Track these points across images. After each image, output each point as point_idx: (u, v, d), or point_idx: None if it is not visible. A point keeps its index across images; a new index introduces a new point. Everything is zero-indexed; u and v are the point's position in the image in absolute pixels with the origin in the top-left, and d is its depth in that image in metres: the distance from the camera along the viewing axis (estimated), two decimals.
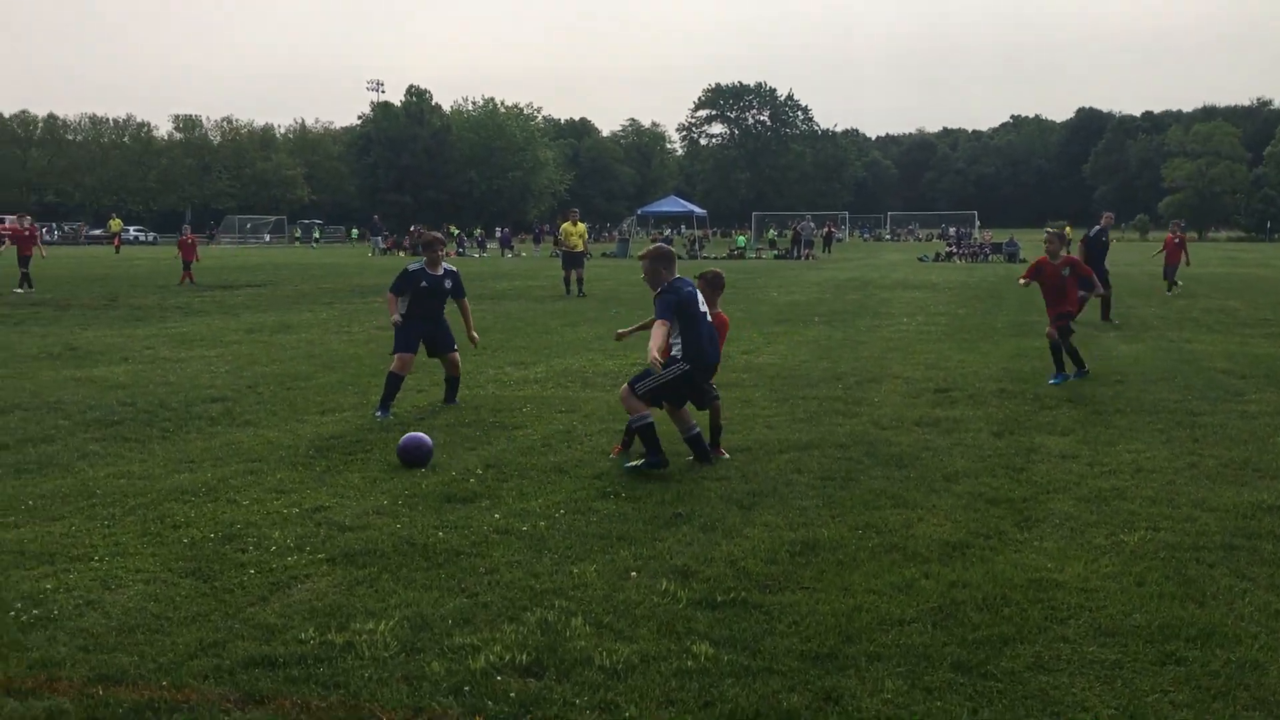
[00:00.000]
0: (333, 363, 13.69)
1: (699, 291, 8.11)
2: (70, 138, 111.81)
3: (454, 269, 10.77)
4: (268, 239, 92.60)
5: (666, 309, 7.75)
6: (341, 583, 5.35)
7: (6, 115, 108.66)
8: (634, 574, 5.47)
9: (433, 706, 3.97)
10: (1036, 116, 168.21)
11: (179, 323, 19.30)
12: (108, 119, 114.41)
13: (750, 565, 5.58)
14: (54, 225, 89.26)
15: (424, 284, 10.38)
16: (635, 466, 7.68)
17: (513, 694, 4.07)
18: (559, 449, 8.51)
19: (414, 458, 7.91)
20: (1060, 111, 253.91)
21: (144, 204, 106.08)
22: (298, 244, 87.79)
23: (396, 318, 10.32)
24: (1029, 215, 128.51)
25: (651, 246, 8.16)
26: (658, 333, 7.66)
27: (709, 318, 8.04)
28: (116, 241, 65.64)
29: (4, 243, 23.82)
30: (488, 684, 4.15)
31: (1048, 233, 12.39)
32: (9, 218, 22.15)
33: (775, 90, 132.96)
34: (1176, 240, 26.19)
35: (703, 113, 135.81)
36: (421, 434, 8.25)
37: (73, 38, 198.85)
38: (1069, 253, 12.63)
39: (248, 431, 9.24)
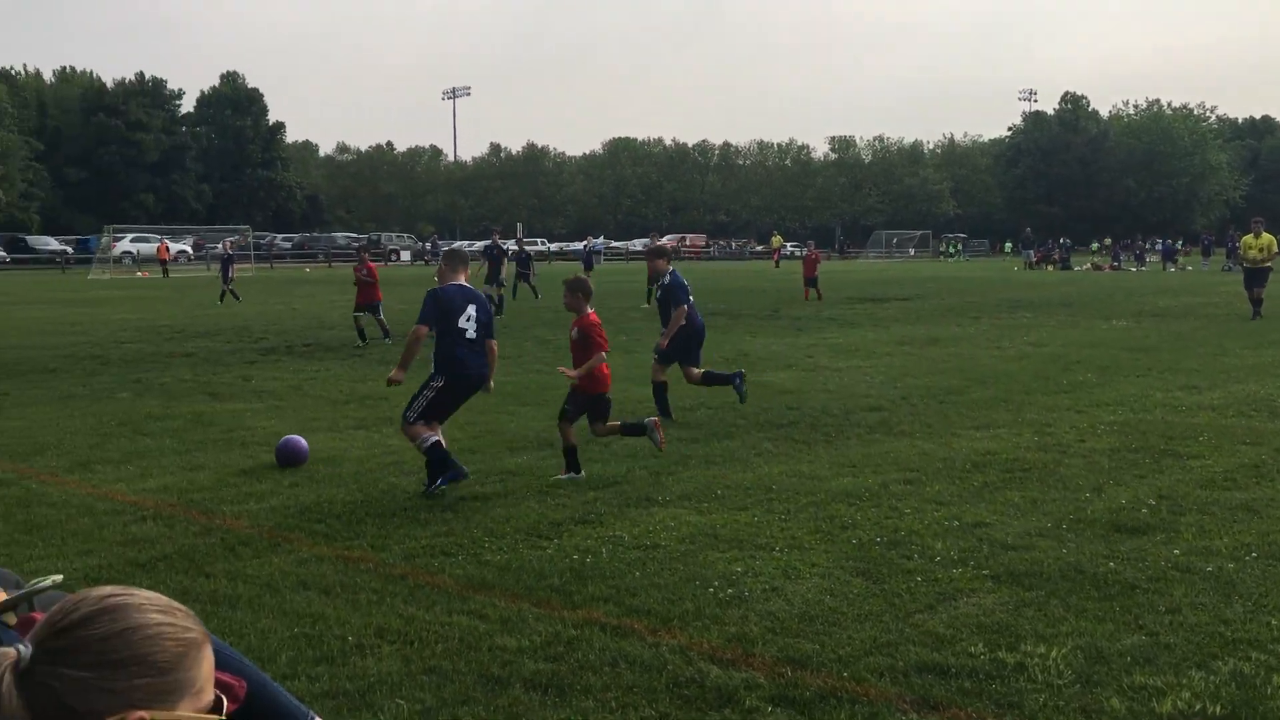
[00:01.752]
0: (984, 378, 13.63)
1: None
2: (740, 162, 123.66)
3: None
4: (913, 252, 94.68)
5: None
6: (1008, 602, 5.30)
7: (689, 145, 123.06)
8: None
9: None
10: None
11: (835, 334, 20.44)
12: (773, 144, 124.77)
13: None
14: (725, 243, 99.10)
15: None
16: None
17: None
18: (1246, 485, 7.67)
19: (289, 458, 8.49)
20: None
21: (799, 220, 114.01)
22: (941, 258, 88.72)
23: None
24: None
25: None
26: None
27: None
28: (776, 256, 70.81)
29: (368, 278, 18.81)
30: None
31: None
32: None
33: None
34: None
35: None
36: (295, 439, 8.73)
37: (747, 73, 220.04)
38: None
39: (904, 441, 9.52)
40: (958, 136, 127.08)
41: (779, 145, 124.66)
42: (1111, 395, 12.10)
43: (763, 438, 9.72)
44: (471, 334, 8.01)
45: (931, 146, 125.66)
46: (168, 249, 55.49)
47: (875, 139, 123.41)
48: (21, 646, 1.40)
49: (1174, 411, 10.94)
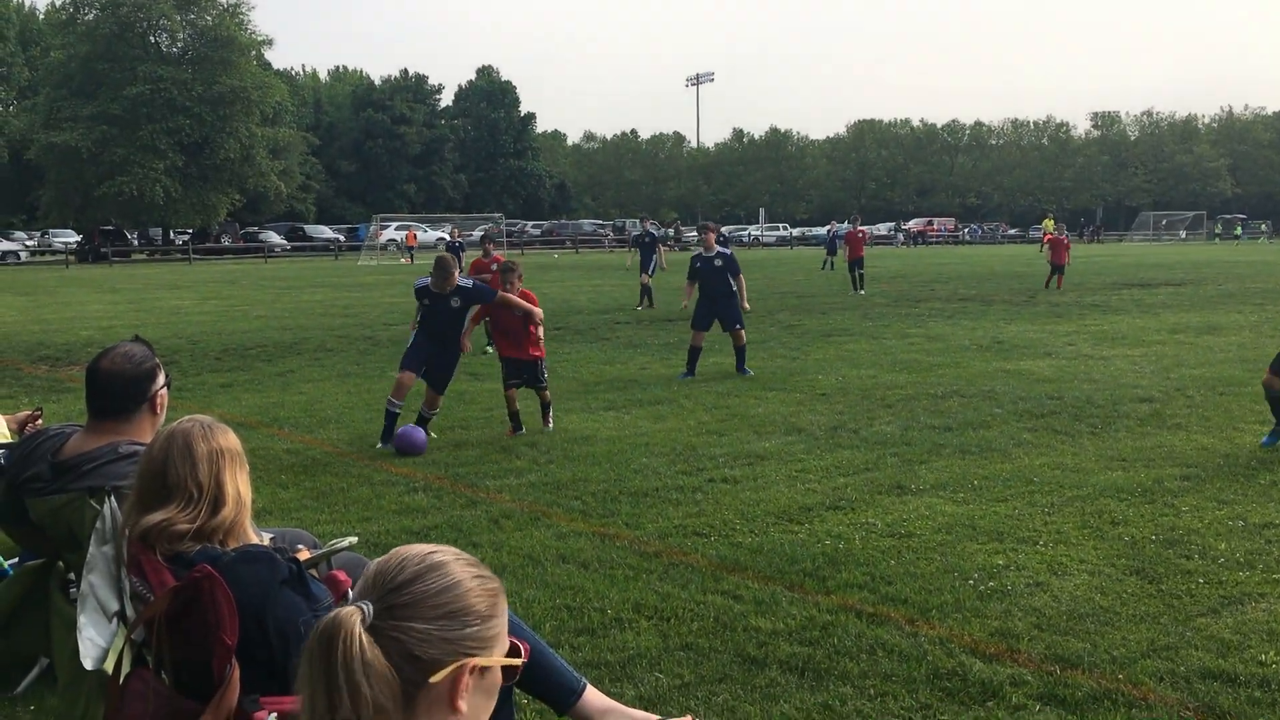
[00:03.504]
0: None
1: None
2: (993, 142, 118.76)
3: None
4: (1183, 235, 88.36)
5: None
6: None
7: (939, 125, 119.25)
8: None
9: None
10: None
11: (1098, 320, 19.36)
12: (1028, 122, 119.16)
13: None
14: (976, 226, 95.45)
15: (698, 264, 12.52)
16: None
17: None
18: None
19: (408, 448, 8.48)
20: None
21: (1057, 203, 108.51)
22: (1217, 240, 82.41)
23: None
24: None
25: None
26: None
27: None
28: (1047, 239, 66.80)
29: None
30: None
31: None
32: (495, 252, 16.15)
33: None
34: None
35: None
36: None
37: (998, 51, 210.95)
38: None
39: (1179, 435, 8.92)
40: (1237, 109, 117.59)
41: (1035, 123, 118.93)
42: None
43: (1021, 428, 9.33)
44: None
45: (1207, 121, 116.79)
46: (415, 236, 58.71)
47: (1143, 114, 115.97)
48: (364, 605, 1.52)
49: None
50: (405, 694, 1.50)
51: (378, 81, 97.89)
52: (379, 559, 1.62)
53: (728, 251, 13.17)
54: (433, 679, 1.51)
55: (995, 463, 8.02)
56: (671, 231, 78.07)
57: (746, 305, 13.24)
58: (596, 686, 4.17)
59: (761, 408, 10.63)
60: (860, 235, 28.73)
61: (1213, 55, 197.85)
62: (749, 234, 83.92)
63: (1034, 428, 9.34)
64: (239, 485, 2.69)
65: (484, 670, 1.57)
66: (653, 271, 23.99)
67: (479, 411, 10.60)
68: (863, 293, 26.57)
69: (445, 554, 1.60)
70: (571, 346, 16.44)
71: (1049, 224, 73.67)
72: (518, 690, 2.82)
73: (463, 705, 1.53)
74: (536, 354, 9.44)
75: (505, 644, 1.61)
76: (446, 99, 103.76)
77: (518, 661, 1.63)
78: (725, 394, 11.50)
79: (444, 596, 1.54)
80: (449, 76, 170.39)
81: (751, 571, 5.58)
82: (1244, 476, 7.43)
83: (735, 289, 12.97)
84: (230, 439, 2.74)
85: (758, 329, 18.76)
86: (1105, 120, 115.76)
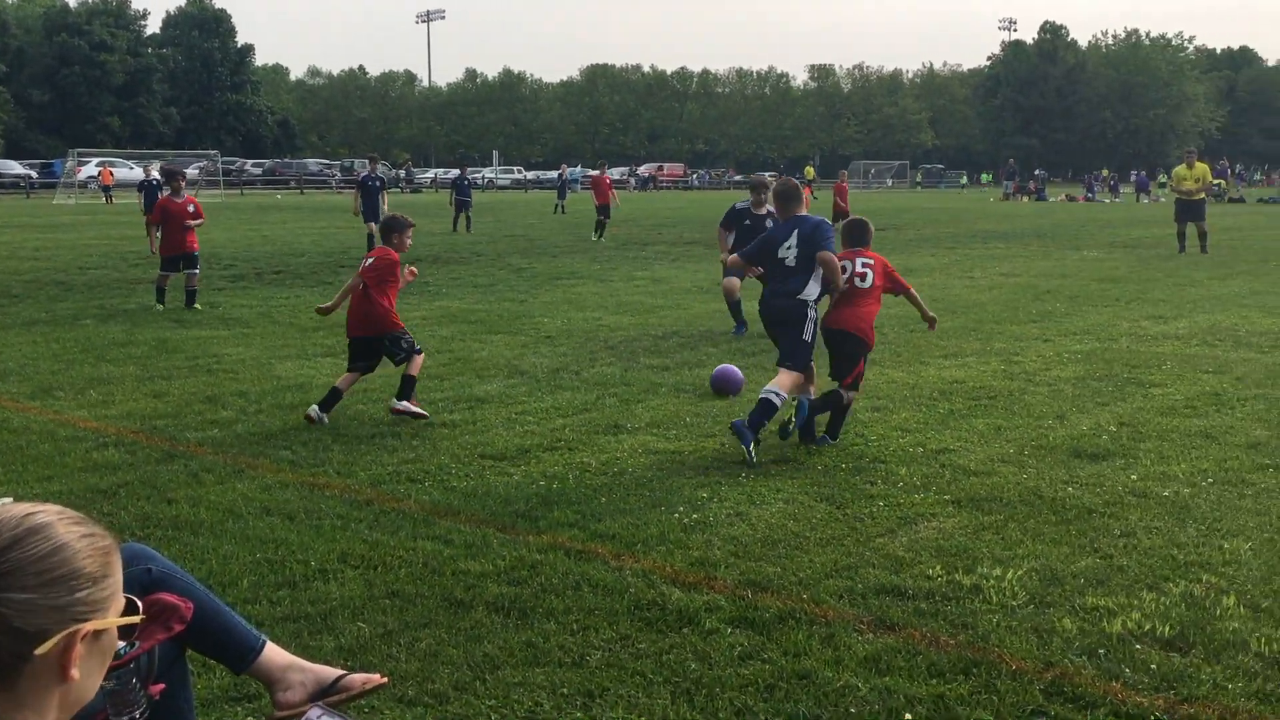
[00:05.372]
0: (955, 307, 13.66)
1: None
2: (719, 90, 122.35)
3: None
4: (890, 183, 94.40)
5: None
6: (967, 526, 5.37)
7: (668, 72, 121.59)
8: None
9: (1065, 663, 3.86)
10: None
11: None
12: (752, 71, 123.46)
13: None
14: (705, 172, 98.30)
15: (747, 221, 11.25)
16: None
17: (1153, 665, 3.83)
18: (1206, 412, 7.76)
19: (725, 387, 8.54)
20: None
21: (778, 151, 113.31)
22: (918, 189, 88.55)
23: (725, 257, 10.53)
24: None
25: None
26: None
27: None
28: (808, 190, 67.49)
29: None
30: (1125, 651, 3.94)
31: None
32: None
33: None
34: None
35: None
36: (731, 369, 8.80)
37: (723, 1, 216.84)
38: None
39: (873, 370, 9.52)
40: (937, 66, 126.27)
41: (758, 73, 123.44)
42: (1079, 325, 12.18)
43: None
44: None
45: (911, 76, 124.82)
46: (112, 174, 52.09)
47: (855, 67, 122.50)
48: None
49: (1139, 341, 11.02)
50: (7, 668, 1.38)
51: (73, 3, 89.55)
52: None
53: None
54: (39, 651, 1.39)
55: (708, 400, 8.34)
56: (403, 173, 76.13)
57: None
58: (294, 640, 4.06)
59: (485, 351, 10.58)
60: (606, 182, 28.03)
61: (916, 10, 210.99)
62: (484, 177, 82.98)
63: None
64: None
65: (99, 633, 1.47)
66: (380, 219, 22.82)
67: (183, 360, 10.01)
68: (602, 241, 26.28)
69: (48, 513, 1.47)
70: (290, 290, 15.79)
71: (810, 172, 76.37)
72: (192, 651, 2.68)
73: (75, 673, 1.43)
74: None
75: (120, 602, 1.51)
76: (154, 26, 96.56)
77: (135, 619, 1.54)
78: (449, 338, 11.38)
79: (48, 561, 1.42)
80: (155, 3, 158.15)
81: (464, 515, 5.57)
82: (926, 406, 8.07)
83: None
84: None
85: (486, 273, 18.65)
86: (821, 73, 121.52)
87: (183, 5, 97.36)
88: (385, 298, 7.76)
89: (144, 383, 8.95)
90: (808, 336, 7.08)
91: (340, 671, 2.75)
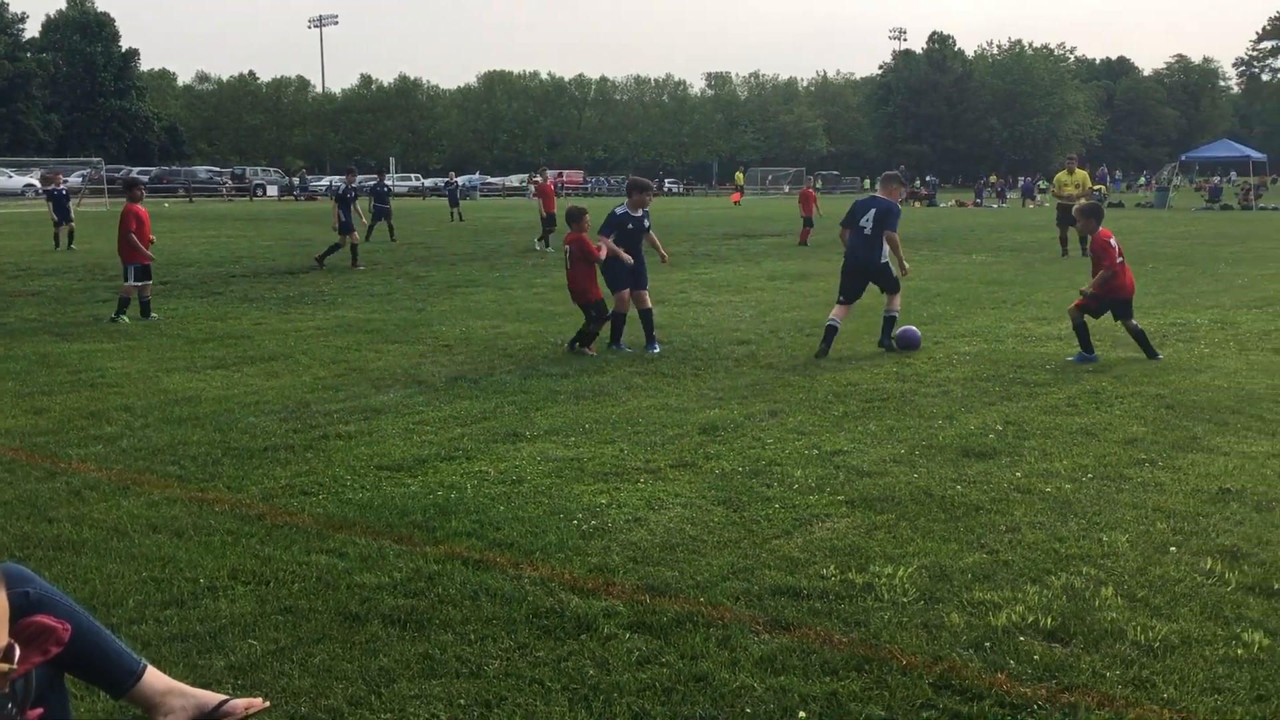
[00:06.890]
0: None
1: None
2: (617, 97, 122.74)
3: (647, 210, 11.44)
4: (786, 190, 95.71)
5: None
6: (860, 525, 5.48)
7: (566, 79, 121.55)
8: (1173, 549, 5.07)
9: (952, 657, 3.96)
10: None
11: (708, 269, 20.62)
12: (650, 79, 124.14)
13: None
14: (603, 178, 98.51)
15: (629, 225, 11.25)
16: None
17: (1036, 656, 3.96)
18: (1086, 410, 8.05)
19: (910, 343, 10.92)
20: None
21: (676, 157, 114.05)
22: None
23: (603, 253, 10.96)
24: None
25: None
26: None
27: None
28: (737, 197, 65.32)
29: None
30: (1009, 643, 4.06)
31: None
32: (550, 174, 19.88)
33: None
34: None
35: (1266, 44, 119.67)
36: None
37: (619, 8, 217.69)
38: None
39: (770, 374, 9.69)
40: (831, 74, 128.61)
41: (656, 81, 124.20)
42: (968, 327, 12.53)
43: (632, 372, 9.77)
44: None
45: (806, 84, 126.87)
46: None
47: (751, 75, 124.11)
48: None
49: (1024, 342, 11.39)
50: None
51: None
52: None
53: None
54: None
55: (606, 406, 8.36)
56: (297, 180, 74.59)
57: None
58: (183, 660, 3.97)
59: (381, 361, 10.45)
60: (551, 189, 27.16)
61: (810, 17, 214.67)
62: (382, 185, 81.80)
63: (644, 371, 9.81)
64: None
65: None
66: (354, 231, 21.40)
67: (65, 375, 9.68)
68: (549, 250, 24.78)
69: None
70: (178, 301, 15.38)
71: (740, 177, 76.24)
72: (70, 677, 2.60)
73: None
74: None
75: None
76: (32, 30, 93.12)
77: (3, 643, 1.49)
78: (345, 348, 11.21)
79: None
80: (34, 6, 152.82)
81: (360, 527, 5.49)
82: (821, 409, 8.21)
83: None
84: None
85: (383, 281, 18.41)
86: (718, 80, 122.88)
87: (63, 9, 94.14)
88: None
89: (23, 399, 8.63)
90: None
91: (223, 697, 2.71)
